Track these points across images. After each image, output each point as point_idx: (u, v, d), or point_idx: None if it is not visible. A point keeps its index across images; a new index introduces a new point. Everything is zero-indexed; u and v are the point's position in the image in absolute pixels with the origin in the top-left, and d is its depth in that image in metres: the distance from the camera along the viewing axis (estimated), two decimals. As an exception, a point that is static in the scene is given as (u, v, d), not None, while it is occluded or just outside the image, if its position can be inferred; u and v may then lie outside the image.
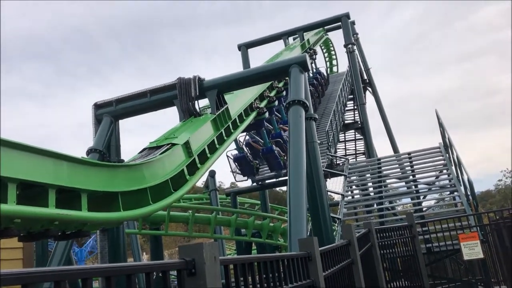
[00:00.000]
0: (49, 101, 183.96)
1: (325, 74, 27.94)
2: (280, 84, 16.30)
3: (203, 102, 11.96)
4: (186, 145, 9.06)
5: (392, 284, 7.67)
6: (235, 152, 17.79)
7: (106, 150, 11.33)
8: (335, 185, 16.09)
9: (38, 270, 1.46)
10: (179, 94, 11.18)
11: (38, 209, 5.70)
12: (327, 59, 33.34)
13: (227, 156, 18.01)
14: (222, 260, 2.36)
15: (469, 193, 12.79)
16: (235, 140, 16.13)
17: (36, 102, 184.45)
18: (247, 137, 18.10)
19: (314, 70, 26.23)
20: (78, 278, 1.66)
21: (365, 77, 29.41)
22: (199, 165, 9.31)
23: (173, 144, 8.90)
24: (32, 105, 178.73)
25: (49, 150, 6.11)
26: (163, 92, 11.55)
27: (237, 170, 18.06)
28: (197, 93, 11.18)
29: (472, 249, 8.84)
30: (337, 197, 16.65)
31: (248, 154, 17.58)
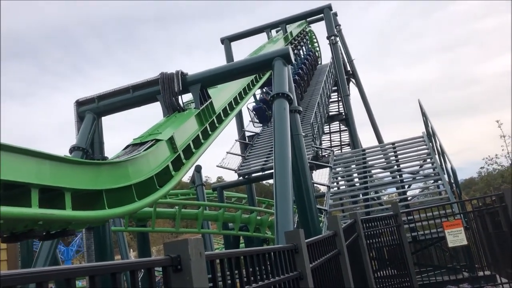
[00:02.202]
0: (31, 100, 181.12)
1: (314, 53, 29.29)
2: (268, 73, 16.31)
3: (187, 97, 11.89)
4: (171, 141, 9.01)
5: (379, 273, 7.76)
6: (254, 104, 22.62)
7: (90, 147, 11.20)
8: (321, 176, 16.18)
9: (19, 272, 1.43)
10: (162, 89, 11.08)
11: (21, 210, 5.62)
12: (310, 51, 33.35)
13: (248, 108, 22.60)
14: (207, 256, 2.36)
15: (452, 181, 12.98)
16: (254, 95, 19.90)
17: (17, 101, 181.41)
18: (261, 95, 22.17)
19: (305, 52, 27.40)
20: (61, 278, 1.63)
21: (349, 68, 29.49)
22: (184, 161, 9.26)
23: (157, 140, 8.83)
24: (14, 105, 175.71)
25: (31, 150, 6.02)
26: (146, 87, 11.42)
27: (255, 118, 22.84)
28: (181, 88, 11.09)
29: (456, 236, 8.98)
30: (323, 189, 16.75)
31: (263, 106, 21.64)
